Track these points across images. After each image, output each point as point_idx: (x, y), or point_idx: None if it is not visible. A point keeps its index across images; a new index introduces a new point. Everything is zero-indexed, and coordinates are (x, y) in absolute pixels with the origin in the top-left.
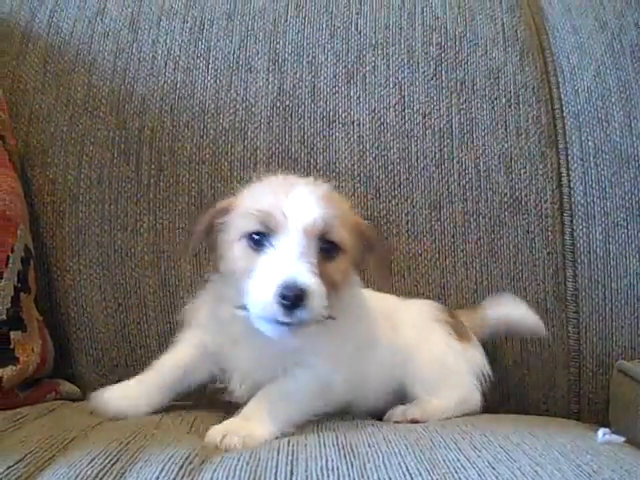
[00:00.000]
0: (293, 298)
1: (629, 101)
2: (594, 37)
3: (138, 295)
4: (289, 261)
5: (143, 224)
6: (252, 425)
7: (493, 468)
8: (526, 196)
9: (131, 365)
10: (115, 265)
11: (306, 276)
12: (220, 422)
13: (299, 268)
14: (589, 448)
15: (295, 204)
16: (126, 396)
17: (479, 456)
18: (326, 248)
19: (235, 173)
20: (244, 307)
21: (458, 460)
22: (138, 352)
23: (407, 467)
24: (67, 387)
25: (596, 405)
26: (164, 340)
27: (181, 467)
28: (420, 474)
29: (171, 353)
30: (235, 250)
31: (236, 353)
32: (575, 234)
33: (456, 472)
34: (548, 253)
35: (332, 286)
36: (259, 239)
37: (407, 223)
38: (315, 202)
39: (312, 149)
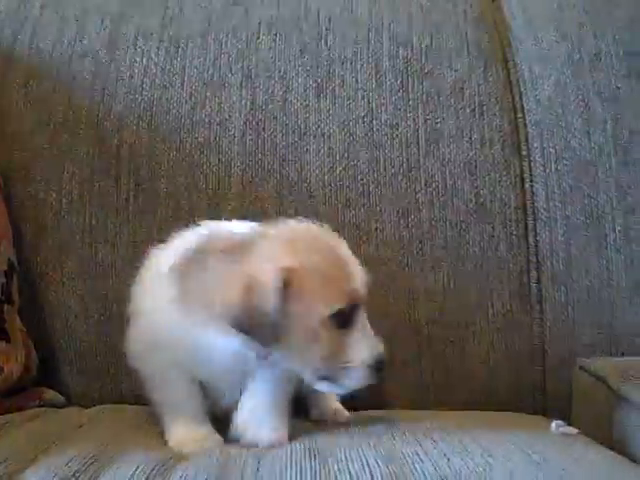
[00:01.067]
0: (381, 366)
1: (587, 109)
2: (555, 48)
3: (119, 305)
4: (368, 334)
5: (123, 237)
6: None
7: (448, 459)
8: (491, 202)
9: (113, 373)
10: (96, 277)
11: (378, 341)
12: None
13: (374, 338)
14: (543, 440)
15: (358, 275)
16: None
17: (435, 448)
18: None
19: (211, 185)
20: (324, 378)
21: (416, 453)
22: (120, 360)
23: (367, 459)
24: (51, 395)
25: (561, 401)
26: None
27: (154, 467)
28: (378, 465)
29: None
30: (317, 333)
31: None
32: (538, 237)
33: (413, 463)
34: (513, 256)
35: None
36: (341, 317)
37: (376, 230)
38: (360, 266)
39: (284, 161)
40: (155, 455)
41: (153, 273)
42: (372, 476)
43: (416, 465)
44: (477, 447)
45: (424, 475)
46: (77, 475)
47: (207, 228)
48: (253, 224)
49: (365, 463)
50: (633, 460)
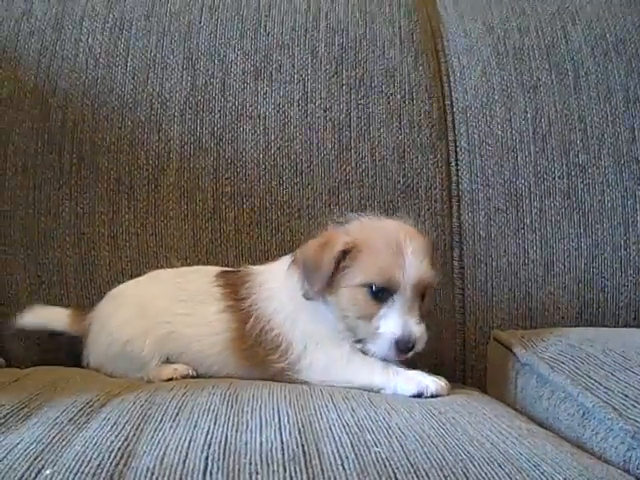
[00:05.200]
0: (407, 348)
1: (510, 99)
2: (482, 40)
3: (60, 274)
4: (404, 316)
5: (65, 208)
6: None
7: (353, 411)
8: (417, 183)
9: (53, 339)
10: (39, 246)
11: (416, 328)
12: None
13: (411, 322)
14: (448, 400)
15: (410, 267)
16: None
17: (345, 403)
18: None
19: (151, 161)
20: (359, 341)
21: (326, 406)
22: None
23: (279, 409)
24: None
25: (478, 371)
26: None
27: (81, 409)
28: (288, 414)
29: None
30: (356, 296)
31: None
32: (462, 218)
33: (321, 413)
34: (437, 235)
35: (424, 318)
36: (378, 291)
37: (308, 208)
38: (423, 264)
39: (221, 140)
40: (82, 399)
41: (280, 277)
42: (280, 421)
43: (323, 415)
44: (383, 402)
45: (328, 422)
46: (7, 417)
47: None
48: None
49: (277, 410)
50: (532, 420)
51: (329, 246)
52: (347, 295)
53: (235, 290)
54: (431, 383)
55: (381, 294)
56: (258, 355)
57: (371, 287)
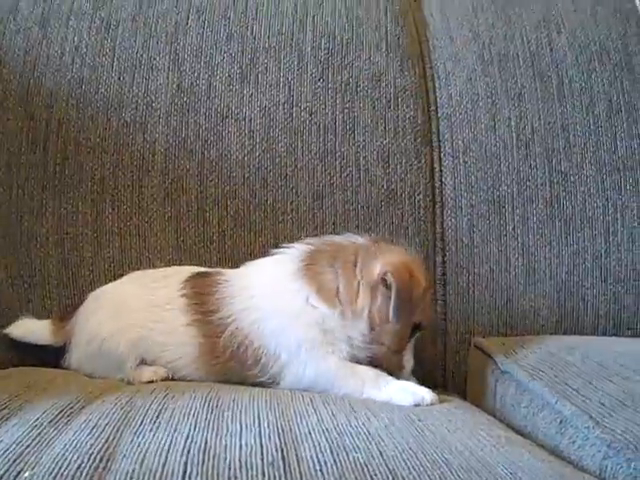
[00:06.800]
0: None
1: (494, 105)
2: (467, 47)
3: (42, 274)
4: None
5: (48, 208)
6: None
7: (333, 416)
8: (401, 189)
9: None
10: (21, 245)
11: None
12: None
13: None
14: (428, 407)
15: None
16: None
17: (325, 408)
18: None
19: (135, 162)
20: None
21: (306, 411)
22: None
23: (259, 414)
24: None
25: (459, 378)
26: None
27: (61, 411)
28: (268, 418)
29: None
30: (405, 331)
31: None
32: (444, 224)
33: (301, 418)
34: (420, 241)
35: None
36: (416, 329)
37: (292, 211)
38: None
39: (206, 142)
40: (63, 401)
41: (269, 284)
42: (260, 425)
43: (303, 419)
44: (363, 408)
45: (308, 427)
46: None
47: (304, 244)
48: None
49: (257, 415)
50: (511, 427)
51: (417, 279)
52: (400, 330)
53: (203, 301)
54: (427, 394)
55: (416, 331)
56: (233, 369)
57: (419, 325)
